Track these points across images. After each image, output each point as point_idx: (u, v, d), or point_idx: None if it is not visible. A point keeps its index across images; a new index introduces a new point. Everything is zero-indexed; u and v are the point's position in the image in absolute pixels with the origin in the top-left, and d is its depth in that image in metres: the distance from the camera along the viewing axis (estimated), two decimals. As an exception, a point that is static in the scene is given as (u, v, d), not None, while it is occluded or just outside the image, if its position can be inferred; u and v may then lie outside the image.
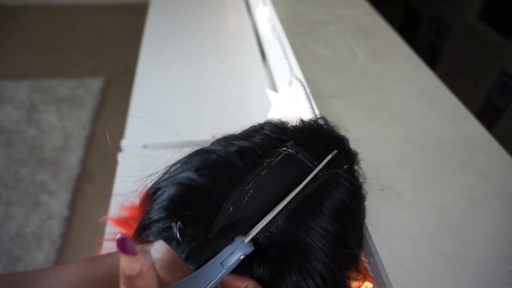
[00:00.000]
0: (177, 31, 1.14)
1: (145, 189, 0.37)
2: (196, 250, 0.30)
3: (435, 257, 0.35)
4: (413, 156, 0.45)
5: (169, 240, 0.31)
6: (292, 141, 0.36)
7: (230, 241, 0.30)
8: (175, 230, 0.30)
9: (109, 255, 0.34)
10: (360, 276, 0.38)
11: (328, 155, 0.36)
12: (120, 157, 0.73)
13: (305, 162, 0.35)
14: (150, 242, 0.32)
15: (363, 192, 0.38)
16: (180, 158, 0.38)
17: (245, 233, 0.30)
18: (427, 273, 0.33)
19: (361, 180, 0.39)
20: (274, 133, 0.38)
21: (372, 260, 0.36)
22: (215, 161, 0.35)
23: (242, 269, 0.31)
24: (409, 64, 0.63)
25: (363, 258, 0.38)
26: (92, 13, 2.82)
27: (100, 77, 2.15)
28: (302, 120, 0.42)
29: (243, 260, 0.29)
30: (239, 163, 0.34)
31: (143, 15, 1.23)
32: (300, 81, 0.58)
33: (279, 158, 0.34)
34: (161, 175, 0.37)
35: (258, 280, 0.31)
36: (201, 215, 0.31)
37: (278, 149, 0.35)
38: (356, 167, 0.39)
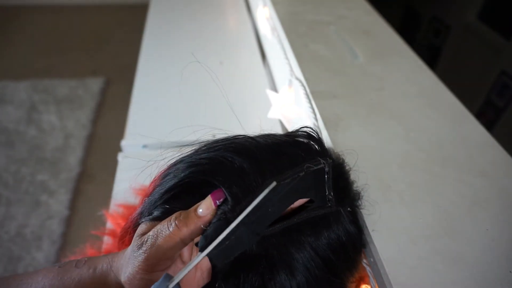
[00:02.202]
0: (177, 31, 1.14)
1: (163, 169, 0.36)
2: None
3: (435, 257, 0.35)
4: (413, 156, 0.45)
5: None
6: (331, 160, 0.36)
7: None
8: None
9: (77, 267, 0.33)
10: (356, 278, 0.39)
11: (344, 197, 0.37)
12: (120, 157, 0.73)
13: (324, 188, 0.35)
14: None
15: (362, 238, 0.38)
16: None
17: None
18: (427, 273, 0.33)
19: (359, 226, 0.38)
20: (317, 146, 0.38)
21: (372, 260, 0.36)
22: (253, 146, 0.35)
23: (229, 274, 0.31)
24: (409, 64, 0.63)
25: (364, 260, 0.38)
26: (92, 13, 2.82)
27: (100, 77, 2.15)
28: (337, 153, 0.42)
29: (232, 263, 0.30)
30: (281, 156, 0.34)
31: (143, 15, 1.23)
32: (300, 81, 0.58)
33: (317, 167, 0.34)
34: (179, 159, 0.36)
35: None
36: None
37: (319, 158, 0.35)
38: (358, 211, 0.39)
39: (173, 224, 0.29)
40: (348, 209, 0.37)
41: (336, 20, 0.75)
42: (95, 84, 2.08)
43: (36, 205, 1.46)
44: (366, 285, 0.40)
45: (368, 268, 0.37)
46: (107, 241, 0.58)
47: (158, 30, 1.14)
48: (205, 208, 0.30)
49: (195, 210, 0.30)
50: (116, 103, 1.99)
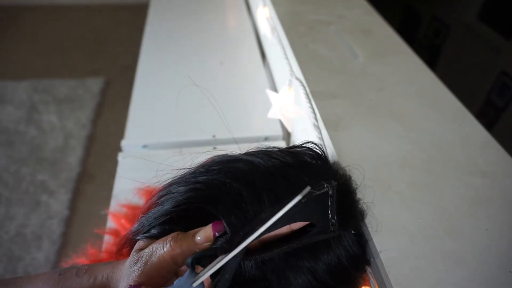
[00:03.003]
0: (177, 31, 1.14)
1: (158, 190, 0.36)
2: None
3: (435, 257, 0.35)
4: (413, 156, 0.45)
5: None
6: (336, 183, 0.35)
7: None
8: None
9: (77, 276, 0.34)
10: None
11: (348, 219, 0.35)
12: (120, 157, 0.73)
13: (328, 212, 0.34)
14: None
15: (366, 258, 0.38)
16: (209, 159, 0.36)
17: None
18: (427, 273, 0.33)
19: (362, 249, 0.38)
20: (324, 163, 0.37)
21: (372, 260, 0.36)
22: (252, 171, 0.33)
23: None
24: (409, 64, 0.63)
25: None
26: (92, 13, 2.82)
27: (100, 77, 2.15)
28: (344, 169, 0.41)
29: (231, 285, 0.29)
30: (281, 183, 0.33)
31: (143, 15, 1.23)
32: (300, 81, 0.58)
33: (320, 192, 0.33)
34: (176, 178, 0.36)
35: None
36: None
37: (323, 182, 0.33)
38: (361, 238, 0.38)
39: (168, 245, 0.30)
40: (352, 232, 0.36)
41: (336, 20, 0.75)
42: (95, 84, 2.08)
43: (36, 205, 1.46)
44: (366, 287, 0.40)
45: (368, 269, 0.37)
46: (108, 240, 0.58)
47: (158, 30, 1.14)
48: (204, 237, 0.30)
49: (194, 236, 0.30)
50: (116, 103, 1.99)
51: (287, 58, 0.66)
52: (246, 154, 0.36)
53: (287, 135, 0.77)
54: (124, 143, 0.75)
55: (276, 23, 0.76)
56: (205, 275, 0.27)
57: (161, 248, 0.29)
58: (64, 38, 2.51)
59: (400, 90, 0.56)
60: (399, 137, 0.48)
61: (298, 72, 0.60)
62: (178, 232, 0.31)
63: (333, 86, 0.56)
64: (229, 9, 1.27)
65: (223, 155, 0.36)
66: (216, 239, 0.30)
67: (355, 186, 0.39)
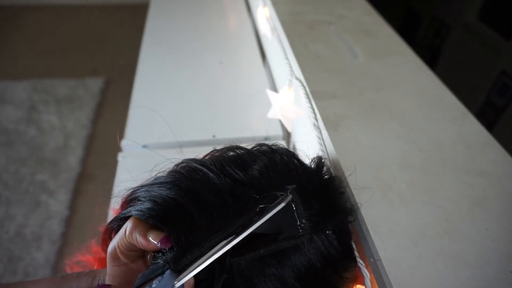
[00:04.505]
0: (177, 31, 1.14)
1: (126, 194, 0.37)
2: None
3: (435, 257, 0.35)
4: (413, 156, 0.45)
5: None
6: (295, 185, 0.33)
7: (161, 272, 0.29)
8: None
9: (78, 278, 0.36)
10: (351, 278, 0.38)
11: (322, 219, 0.34)
12: (120, 157, 0.73)
13: (294, 217, 0.33)
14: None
15: (345, 258, 0.37)
16: (171, 167, 0.36)
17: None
18: (427, 273, 0.33)
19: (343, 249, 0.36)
20: (282, 165, 0.35)
21: (372, 260, 0.36)
22: (205, 190, 0.33)
23: None
24: (409, 64, 0.63)
25: (360, 261, 0.38)
26: (92, 13, 2.82)
27: (100, 77, 2.15)
28: (316, 160, 0.39)
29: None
30: (231, 203, 0.32)
31: (143, 15, 1.23)
32: (300, 81, 0.58)
33: (273, 204, 0.31)
34: (144, 183, 0.36)
35: None
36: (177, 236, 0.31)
37: (276, 193, 0.32)
38: (343, 235, 0.37)
39: (123, 230, 0.32)
40: (328, 232, 0.34)
41: (336, 20, 0.75)
42: (95, 84, 2.08)
43: (36, 205, 1.46)
44: (361, 286, 0.39)
45: (363, 269, 0.37)
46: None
47: (158, 30, 1.14)
48: (153, 238, 0.30)
49: (146, 232, 0.30)
50: (116, 103, 1.99)
51: (287, 58, 0.66)
52: (205, 164, 0.35)
53: (287, 135, 0.77)
54: (124, 143, 0.75)
55: (276, 23, 0.76)
56: (187, 276, 0.27)
57: (121, 231, 0.32)
58: (64, 38, 2.51)
59: (400, 90, 0.56)
60: (399, 137, 0.48)
61: (298, 72, 0.60)
62: (135, 219, 0.31)
63: (333, 86, 0.56)
64: (229, 9, 1.27)
65: (186, 165, 0.35)
66: (165, 251, 0.30)
67: (336, 181, 0.38)
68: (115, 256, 0.32)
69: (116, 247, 0.32)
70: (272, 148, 0.37)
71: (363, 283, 0.38)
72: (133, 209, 0.33)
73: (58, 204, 1.47)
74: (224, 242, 0.29)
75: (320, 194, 0.36)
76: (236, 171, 0.34)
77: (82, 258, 0.47)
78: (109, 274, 0.34)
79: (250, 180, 0.34)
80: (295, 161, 0.37)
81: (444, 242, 0.36)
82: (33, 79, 2.07)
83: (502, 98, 1.37)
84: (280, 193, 0.32)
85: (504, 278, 0.33)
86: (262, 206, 0.31)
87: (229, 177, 0.34)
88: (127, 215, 0.33)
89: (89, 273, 0.37)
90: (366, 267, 0.38)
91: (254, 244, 0.32)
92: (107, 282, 0.34)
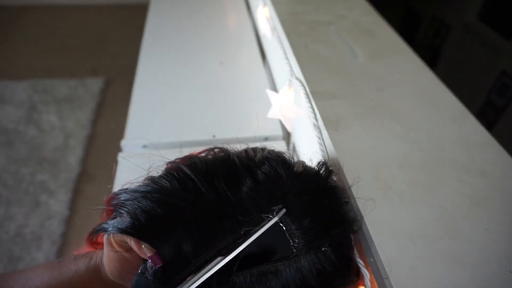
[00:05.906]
0: (177, 31, 1.14)
1: (110, 196, 0.37)
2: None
3: (435, 257, 0.35)
4: (413, 156, 0.45)
5: None
6: (281, 205, 0.32)
7: None
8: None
9: (75, 260, 0.38)
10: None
11: (316, 236, 0.32)
12: (120, 157, 0.73)
13: (286, 237, 0.32)
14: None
15: (343, 275, 0.35)
16: (157, 173, 0.36)
17: None
18: (427, 273, 0.33)
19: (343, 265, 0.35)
20: (266, 185, 0.33)
21: (372, 260, 0.36)
22: (192, 208, 0.32)
23: None
24: (409, 64, 0.63)
25: (360, 261, 0.38)
26: (92, 13, 2.82)
27: (100, 77, 2.15)
28: (308, 169, 0.37)
29: None
30: (217, 223, 0.32)
31: (143, 15, 1.23)
32: (300, 81, 0.58)
33: (259, 227, 0.31)
34: (130, 188, 0.36)
35: None
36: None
37: (262, 215, 0.31)
38: (342, 249, 0.35)
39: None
40: (324, 248, 0.33)
41: (336, 20, 0.75)
42: (95, 84, 2.08)
43: (36, 205, 1.46)
44: (361, 286, 0.39)
45: (363, 269, 0.37)
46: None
47: (158, 30, 1.14)
48: (146, 249, 0.31)
49: (140, 241, 0.31)
50: (116, 103, 1.99)
51: (287, 58, 0.66)
52: (195, 174, 0.34)
53: (287, 135, 0.77)
54: (124, 143, 0.75)
55: (276, 23, 0.76)
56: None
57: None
58: (64, 38, 2.51)
59: (400, 90, 0.56)
60: (399, 137, 0.48)
61: (298, 72, 0.60)
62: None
63: (333, 86, 0.56)
64: (229, 9, 1.27)
65: (177, 172, 0.35)
66: (154, 269, 0.31)
67: (339, 191, 0.37)
68: (109, 243, 0.34)
69: (111, 236, 0.33)
70: (261, 162, 0.35)
71: (363, 283, 0.38)
72: (118, 214, 0.34)
73: (58, 204, 1.47)
74: (211, 264, 0.29)
75: (314, 208, 0.34)
76: (225, 188, 0.33)
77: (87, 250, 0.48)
78: (106, 256, 0.35)
79: (237, 201, 0.33)
80: (287, 171, 0.35)
81: (444, 242, 0.36)
82: (33, 79, 2.07)
83: (502, 98, 1.37)
84: (266, 215, 0.31)
85: (504, 278, 0.33)
86: (246, 229, 0.31)
87: (216, 194, 0.33)
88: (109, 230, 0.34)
89: (85, 255, 0.39)
90: (366, 267, 0.38)
91: (247, 263, 0.31)
92: (104, 264, 0.36)
